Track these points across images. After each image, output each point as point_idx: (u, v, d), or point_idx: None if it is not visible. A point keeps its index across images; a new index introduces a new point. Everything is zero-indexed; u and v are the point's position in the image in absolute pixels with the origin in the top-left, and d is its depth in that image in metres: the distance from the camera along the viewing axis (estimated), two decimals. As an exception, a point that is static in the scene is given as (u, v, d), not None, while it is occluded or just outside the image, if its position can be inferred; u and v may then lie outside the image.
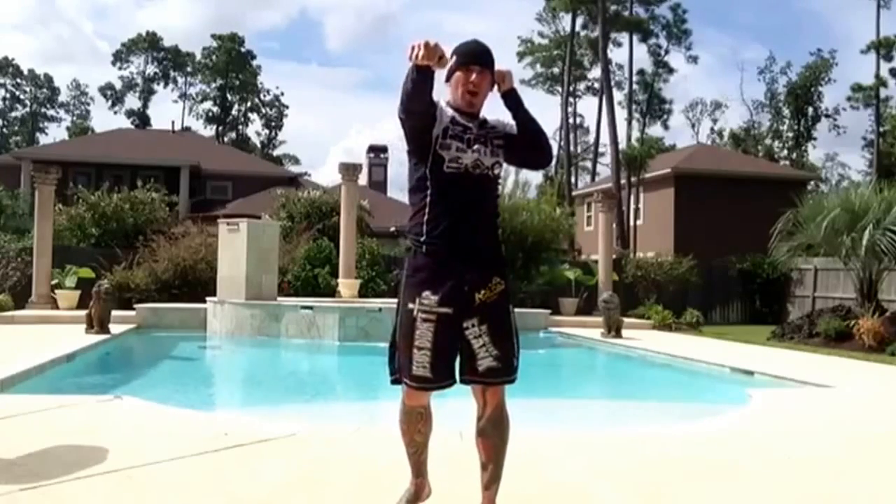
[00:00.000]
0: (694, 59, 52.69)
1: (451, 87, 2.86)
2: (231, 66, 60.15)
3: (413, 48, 2.55)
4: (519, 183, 18.81)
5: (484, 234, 2.82)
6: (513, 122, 2.91)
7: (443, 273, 2.74)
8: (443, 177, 2.76)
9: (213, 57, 60.59)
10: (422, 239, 2.78)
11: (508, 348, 2.79)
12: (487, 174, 2.81)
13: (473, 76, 2.78)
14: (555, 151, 52.36)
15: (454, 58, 2.78)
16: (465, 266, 2.74)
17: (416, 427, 2.95)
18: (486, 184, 2.82)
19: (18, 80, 66.17)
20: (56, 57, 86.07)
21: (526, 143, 2.91)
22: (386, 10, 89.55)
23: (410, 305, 2.77)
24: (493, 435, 2.84)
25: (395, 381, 2.91)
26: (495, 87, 2.89)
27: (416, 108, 2.70)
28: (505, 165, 2.94)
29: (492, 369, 2.76)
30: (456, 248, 2.74)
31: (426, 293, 2.73)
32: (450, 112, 2.83)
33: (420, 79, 2.61)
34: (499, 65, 2.84)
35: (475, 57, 2.80)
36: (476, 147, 2.78)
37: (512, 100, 2.89)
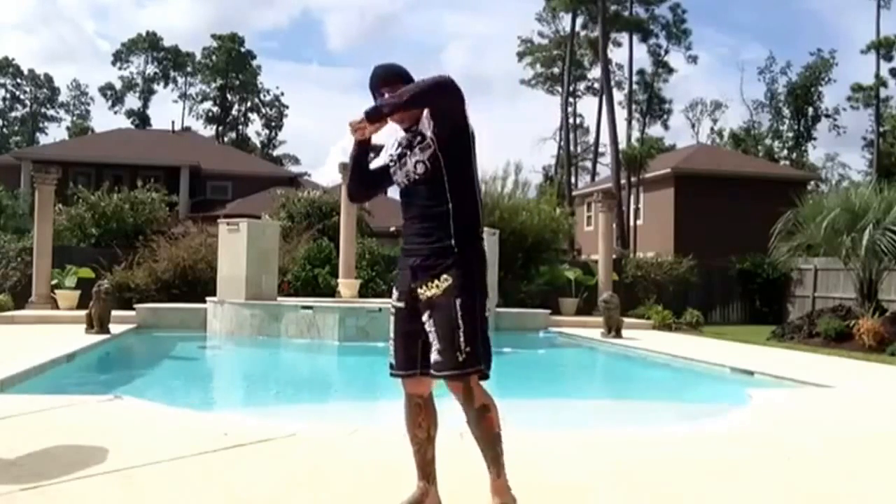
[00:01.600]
0: (694, 59, 52.74)
1: None
2: (231, 66, 60.12)
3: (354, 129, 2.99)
4: (519, 183, 18.80)
5: (428, 234, 2.96)
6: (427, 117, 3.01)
7: (402, 272, 3.06)
8: (399, 195, 3.11)
9: (213, 57, 60.55)
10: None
11: (450, 343, 2.84)
12: (415, 178, 2.98)
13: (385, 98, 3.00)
14: (554, 151, 52.63)
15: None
16: (414, 264, 2.98)
17: (417, 420, 3.01)
18: (417, 186, 2.98)
19: (18, 80, 66.15)
20: (57, 57, 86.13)
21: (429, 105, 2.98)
22: (388, 9, 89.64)
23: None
24: (473, 429, 2.92)
25: None
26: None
27: (363, 191, 3.28)
28: (438, 152, 2.93)
29: (436, 362, 2.88)
30: (407, 250, 3.04)
31: (394, 291, 3.11)
32: (397, 140, 3.09)
33: (356, 155, 3.09)
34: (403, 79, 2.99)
35: (379, 81, 3.04)
36: (402, 160, 3.02)
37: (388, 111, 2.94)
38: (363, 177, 3.16)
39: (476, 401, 2.86)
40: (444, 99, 2.91)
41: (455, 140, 2.95)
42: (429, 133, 2.95)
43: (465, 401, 2.87)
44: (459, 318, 2.85)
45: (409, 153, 2.99)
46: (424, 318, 2.92)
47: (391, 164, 3.08)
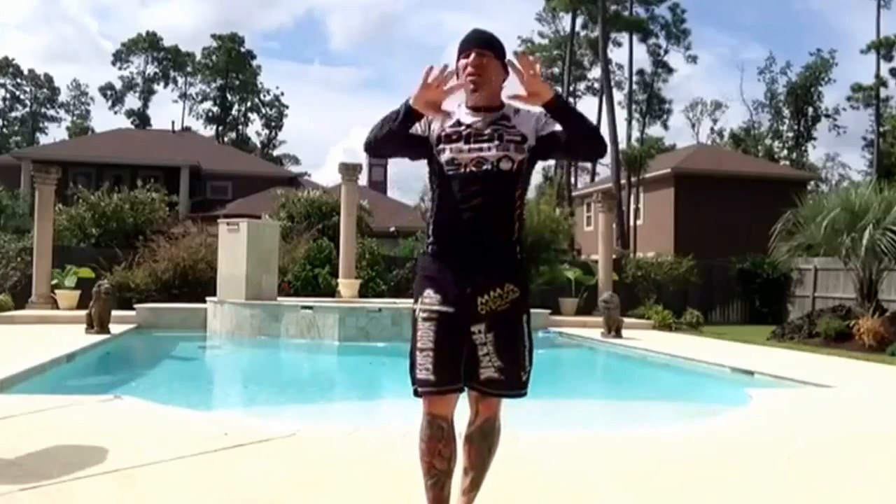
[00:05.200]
0: (694, 59, 52.82)
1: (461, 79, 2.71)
2: (231, 66, 60.16)
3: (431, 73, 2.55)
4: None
5: (492, 235, 2.63)
6: (543, 115, 2.68)
7: (446, 273, 2.63)
8: (444, 179, 2.67)
9: (213, 57, 60.61)
10: (429, 240, 2.74)
11: (514, 361, 2.63)
12: (492, 170, 2.60)
13: (472, 58, 2.65)
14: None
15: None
16: (471, 267, 2.61)
17: (437, 447, 2.59)
18: (492, 181, 2.61)
19: (18, 80, 66.08)
20: (60, 56, 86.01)
21: (578, 141, 2.67)
22: (390, 9, 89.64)
23: (414, 306, 2.69)
24: (479, 444, 2.73)
25: (414, 393, 2.64)
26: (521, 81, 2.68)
27: (385, 153, 2.83)
28: (529, 158, 2.69)
29: (492, 380, 2.62)
30: (458, 249, 2.63)
31: (428, 292, 2.63)
32: (456, 115, 2.73)
33: (402, 123, 2.62)
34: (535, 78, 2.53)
35: (473, 41, 2.69)
36: (477, 144, 2.63)
37: (556, 112, 2.59)
38: (399, 137, 2.67)
39: (499, 419, 2.75)
40: (593, 152, 2.74)
41: (539, 158, 2.75)
42: (528, 134, 2.67)
43: (493, 417, 2.72)
44: (526, 336, 2.66)
45: (488, 138, 2.64)
46: (477, 329, 2.60)
47: (446, 136, 2.68)
